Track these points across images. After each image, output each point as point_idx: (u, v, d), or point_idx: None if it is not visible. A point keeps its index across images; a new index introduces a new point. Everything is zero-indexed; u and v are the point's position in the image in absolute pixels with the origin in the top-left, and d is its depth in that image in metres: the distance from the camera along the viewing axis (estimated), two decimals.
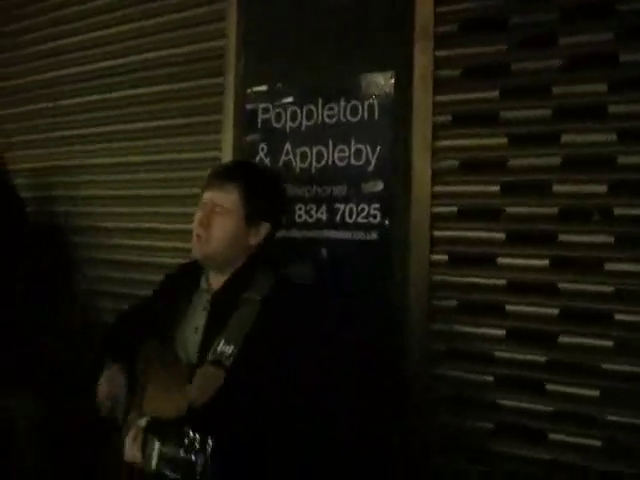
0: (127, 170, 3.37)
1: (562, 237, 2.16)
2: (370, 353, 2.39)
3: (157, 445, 1.66)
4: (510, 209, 2.25)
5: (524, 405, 2.19)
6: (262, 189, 2.01)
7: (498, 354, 2.24)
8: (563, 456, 2.12)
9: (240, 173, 2.02)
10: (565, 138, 2.17)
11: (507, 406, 2.22)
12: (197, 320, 1.98)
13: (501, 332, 2.24)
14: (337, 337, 2.27)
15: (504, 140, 2.26)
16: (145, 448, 1.70)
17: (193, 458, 1.56)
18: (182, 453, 1.59)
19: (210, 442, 1.56)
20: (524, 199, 2.23)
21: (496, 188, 2.27)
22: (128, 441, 1.77)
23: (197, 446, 1.57)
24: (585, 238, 2.13)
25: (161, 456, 1.64)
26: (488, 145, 2.29)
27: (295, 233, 2.62)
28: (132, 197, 3.34)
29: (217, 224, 1.94)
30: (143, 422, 1.78)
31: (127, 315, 2.27)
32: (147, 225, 3.28)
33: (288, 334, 1.84)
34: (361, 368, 2.36)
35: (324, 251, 2.54)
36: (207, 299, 2.00)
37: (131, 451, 1.76)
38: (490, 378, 2.25)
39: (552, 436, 2.15)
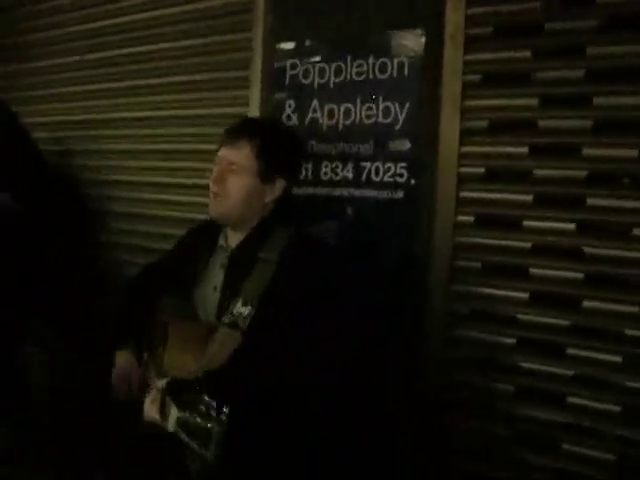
0: (152, 125, 3.38)
1: (590, 201, 2.13)
2: (391, 312, 2.40)
3: (174, 410, 1.66)
4: (538, 171, 2.22)
5: (544, 368, 2.19)
6: (276, 144, 1.99)
7: (520, 317, 2.24)
8: (581, 420, 2.13)
9: (253, 129, 2.01)
10: (597, 101, 2.13)
11: (527, 369, 2.22)
12: (215, 278, 1.99)
13: (524, 295, 2.23)
14: (357, 296, 2.27)
15: (535, 101, 2.22)
16: (163, 410, 1.71)
17: (209, 426, 1.57)
18: (199, 420, 1.60)
19: (225, 410, 1.56)
20: (553, 162, 2.20)
21: (525, 150, 2.24)
22: (147, 402, 1.79)
23: (213, 414, 1.57)
24: (614, 203, 2.10)
25: (178, 421, 1.65)
26: (518, 106, 2.25)
27: (320, 191, 2.61)
28: (156, 151, 3.36)
29: (231, 181, 1.93)
30: (162, 384, 1.77)
31: (150, 269, 2.28)
32: (171, 180, 3.30)
33: (304, 294, 1.83)
34: (381, 327, 2.37)
35: (349, 209, 2.54)
36: (225, 257, 2.00)
37: (150, 412, 1.77)
38: (511, 340, 2.25)
39: (571, 400, 2.15)
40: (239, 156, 1.93)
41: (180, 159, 3.24)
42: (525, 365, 2.22)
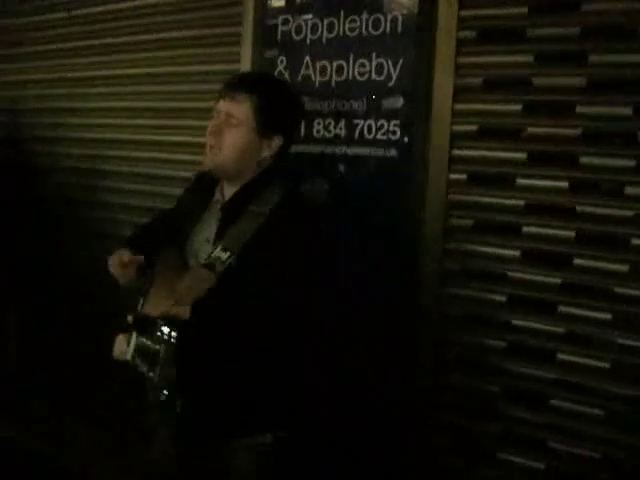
0: (144, 82, 3.35)
1: (583, 159, 2.13)
2: (384, 269, 2.41)
3: (134, 337, 1.71)
4: (532, 129, 2.22)
5: (535, 325, 2.22)
6: (276, 101, 1.97)
7: (512, 274, 2.25)
8: (570, 376, 2.16)
9: (254, 84, 1.99)
10: (592, 58, 2.12)
11: (518, 326, 2.24)
12: (209, 231, 1.99)
13: (516, 253, 2.24)
14: (347, 254, 2.29)
15: (530, 58, 2.21)
16: (129, 343, 1.76)
17: (157, 347, 1.59)
18: (150, 343, 1.63)
19: (174, 334, 1.59)
20: (547, 119, 2.19)
21: (519, 107, 2.23)
22: (117, 339, 1.82)
23: (165, 338, 1.60)
24: (606, 161, 2.11)
25: (135, 348, 1.69)
26: (513, 63, 2.24)
27: (313, 148, 2.60)
28: (150, 109, 3.34)
29: (228, 134, 1.92)
30: (130, 318, 1.80)
31: (147, 224, 2.29)
32: (164, 138, 3.28)
33: (286, 250, 1.82)
34: (372, 283, 2.38)
35: (342, 167, 2.53)
36: (219, 210, 2.00)
37: (118, 348, 1.81)
38: (503, 298, 2.27)
39: (561, 356, 2.17)
40: (238, 110, 1.91)
41: (172, 117, 3.22)
42: (516, 322, 2.25)
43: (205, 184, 2.09)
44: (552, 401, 2.19)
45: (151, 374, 1.63)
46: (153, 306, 1.89)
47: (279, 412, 1.93)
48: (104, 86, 3.54)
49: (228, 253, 1.83)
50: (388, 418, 2.45)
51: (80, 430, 3.43)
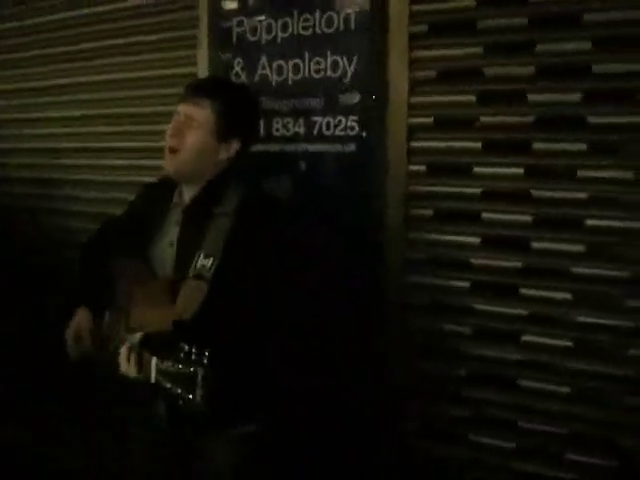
0: (99, 89, 3.34)
1: (536, 145, 2.19)
2: (348, 262, 2.45)
3: (154, 361, 1.69)
4: (486, 118, 2.27)
5: (498, 309, 2.28)
6: (236, 107, 2.00)
7: (474, 261, 2.31)
8: (535, 356, 2.22)
9: (215, 89, 2.02)
10: (540, 47, 2.18)
11: (483, 310, 2.30)
12: (171, 234, 2.01)
13: (476, 239, 2.30)
14: (313, 246, 2.32)
15: (480, 49, 2.27)
16: (142, 363, 1.75)
17: (191, 370, 1.61)
18: (180, 367, 1.63)
19: (206, 353, 1.60)
20: (499, 108, 2.25)
21: (472, 98, 2.28)
22: (122, 358, 1.80)
23: (194, 358, 1.61)
24: (559, 146, 2.17)
25: (159, 371, 1.68)
26: (464, 55, 2.29)
27: (273, 147, 2.63)
28: (105, 116, 3.33)
29: (188, 136, 1.94)
30: (137, 338, 1.80)
31: (102, 231, 2.28)
32: (120, 144, 3.28)
33: (263, 241, 1.88)
34: (338, 276, 2.42)
35: (302, 164, 2.57)
36: (179, 213, 2.02)
37: (126, 368, 1.80)
38: (466, 284, 2.32)
39: (525, 338, 2.24)
40: (199, 113, 1.94)
41: (132, 122, 3.22)
42: (480, 307, 2.30)
43: (162, 188, 2.11)
44: (519, 381, 2.25)
45: (190, 396, 1.63)
46: (144, 322, 1.89)
47: (256, 405, 1.96)
48: (61, 95, 3.51)
49: (211, 259, 1.87)
50: (356, 406, 2.49)
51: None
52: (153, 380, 1.69)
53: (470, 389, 2.33)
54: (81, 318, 2.08)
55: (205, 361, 1.58)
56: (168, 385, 1.64)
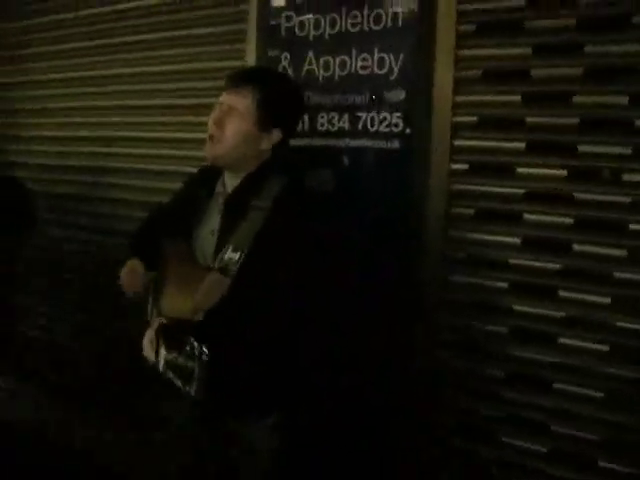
0: (150, 80, 3.40)
1: (581, 148, 2.18)
2: (388, 259, 2.46)
3: (163, 351, 1.74)
4: (531, 119, 2.26)
5: (536, 310, 2.27)
6: (278, 96, 2.01)
7: (513, 261, 2.30)
8: (571, 359, 2.21)
9: (257, 78, 2.04)
10: (588, 49, 2.16)
11: (520, 311, 2.29)
12: (213, 223, 2.03)
13: (517, 240, 2.29)
14: (352, 241, 2.33)
15: (528, 50, 2.26)
16: (157, 350, 1.80)
17: (189, 365, 1.64)
18: (182, 361, 1.67)
19: (205, 351, 1.63)
20: (545, 109, 2.24)
21: (518, 98, 2.28)
22: (145, 341, 1.87)
23: (196, 354, 1.64)
24: (604, 149, 2.15)
25: (166, 361, 1.72)
26: (511, 55, 2.29)
27: (317, 141, 2.65)
28: (154, 107, 3.39)
29: (230, 126, 1.96)
30: (156, 324, 1.85)
31: (150, 219, 2.32)
32: (170, 135, 3.34)
33: (295, 236, 1.88)
34: (378, 273, 2.44)
35: (345, 159, 2.58)
36: (221, 202, 2.05)
37: (146, 351, 1.87)
38: (505, 284, 2.32)
39: (562, 340, 2.22)
40: (240, 103, 1.96)
41: (178, 114, 3.27)
42: (517, 308, 2.30)
43: (207, 176, 2.13)
44: (554, 384, 2.24)
45: (187, 388, 1.66)
46: (171, 307, 1.93)
47: (285, 396, 1.98)
48: (109, 85, 3.60)
49: (239, 253, 1.88)
50: (391, 403, 2.50)
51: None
52: (161, 369, 1.72)
53: (504, 389, 2.32)
54: (134, 262, 2.09)
55: (204, 358, 1.61)
56: (171, 375, 1.68)
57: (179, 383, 1.69)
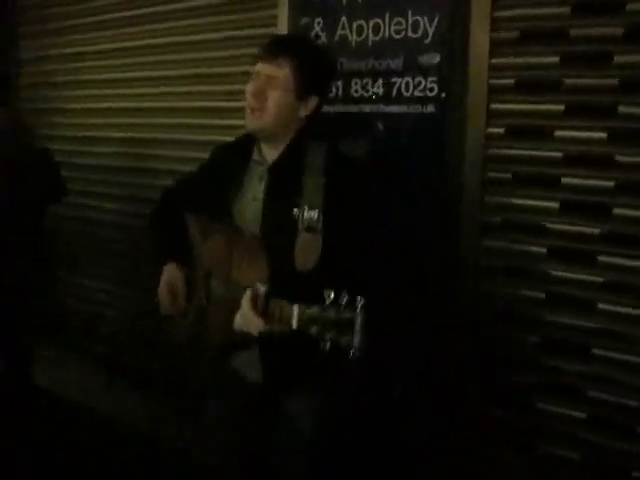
0: (181, 50, 3.40)
1: (621, 109, 2.13)
2: (422, 223, 2.45)
3: (296, 308, 1.68)
4: (569, 80, 2.22)
5: (575, 276, 2.24)
6: (314, 63, 2.02)
7: (551, 226, 2.27)
8: (611, 325, 2.18)
9: (293, 47, 2.03)
10: (630, 7, 2.10)
11: (558, 277, 2.27)
12: (254, 190, 2.05)
13: (555, 204, 2.26)
14: (387, 209, 2.33)
15: (566, 9, 2.20)
16: (270, 313, 1.76)
17: (349, 315, 1.62)
18: (332, 313, 1.63)
19: (359, 298, 1.61)
20: (584, 70, 2.19)
21: (556, 59, 2.23)
22: (244, 309, 1.80)
23: (345, 304, 1.60)
24: None
25: (304, 318, 1.66)
26: (549, 14, 2.24)
27: (351, 108, 2.63)
28: (190, 76, 3.39)
29: (270, 96, 1.97)
30: (262, 289, 1.78)
31: (178, 189, 2.33)
32: (202, 104, 3.34)
33: (359, 190, 1.97)
34: (413, 238, 2.43)
35: (380, 125, 2.56)
36: (263, 170, 2.05)
37: (246, 319, 1.79)
38: (543, 249, 2.29)
39: (601, 306, 2.20)
40: (278, 72, 1.96)
41: (212, 83, 3.28)
42: (556, 273, 2.27)
43: (240, 147, 2.14)
44: (593, 350, 2.21)
45: (347, 340, 1.64)
46: (248, 277, 1.90)
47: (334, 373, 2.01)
48: (146, 55, 3.61)
49: (316, 210, 1.92)
50: (427, 370, 2.51)
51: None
52: (294, 326, 1.69)
53: (542, 356, 2.30)
54: (172, 276, 2.11)
55: (358, 305, 1.60)
56: (314, 331, 1.65)
57: (329, 337, 1.62)
